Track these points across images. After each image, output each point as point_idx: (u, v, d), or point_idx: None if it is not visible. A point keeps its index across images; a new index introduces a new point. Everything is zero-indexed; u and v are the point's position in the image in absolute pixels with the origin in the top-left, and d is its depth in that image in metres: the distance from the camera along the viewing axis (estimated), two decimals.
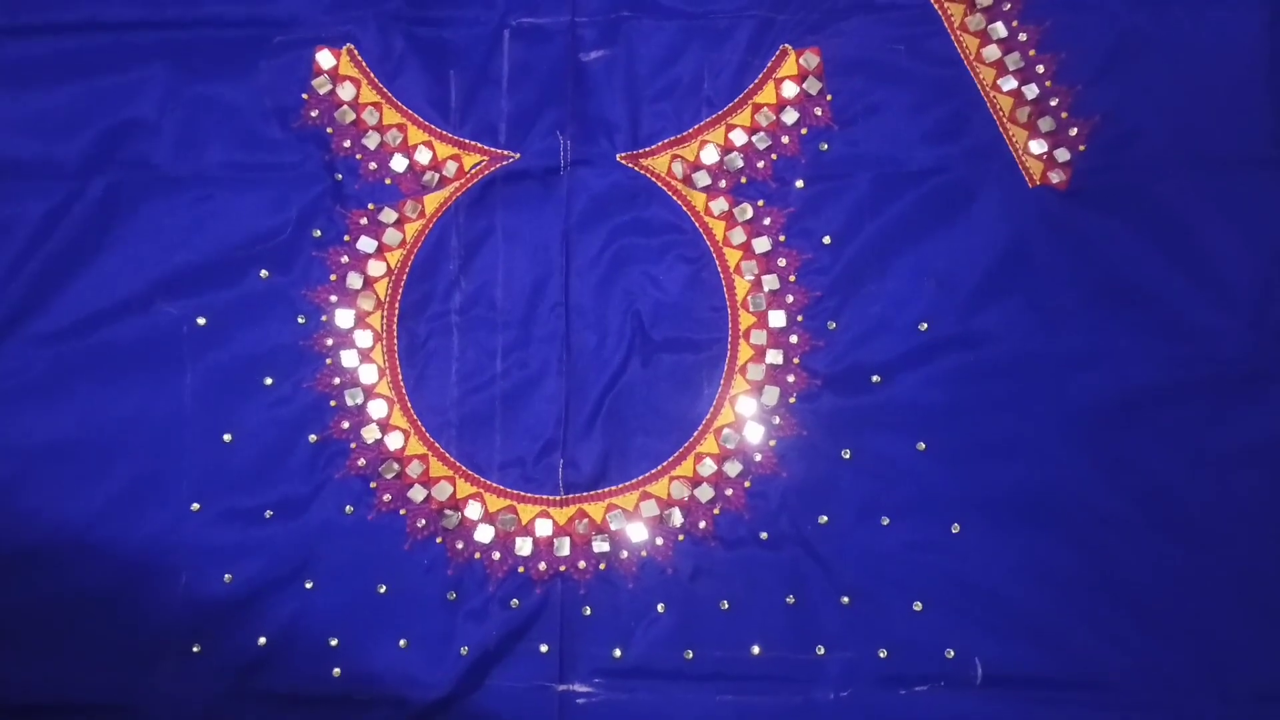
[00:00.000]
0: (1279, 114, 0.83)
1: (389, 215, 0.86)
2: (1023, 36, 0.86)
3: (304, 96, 0.87)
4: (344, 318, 0.85)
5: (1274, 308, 0.82)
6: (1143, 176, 0.84)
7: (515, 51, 0.87)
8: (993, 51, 0.85)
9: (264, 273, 0.85)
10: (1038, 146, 0.85)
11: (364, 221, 0.86)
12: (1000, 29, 0.86)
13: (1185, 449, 0.82)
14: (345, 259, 0.85)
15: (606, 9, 0.87)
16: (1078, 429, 0.82)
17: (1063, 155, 0.85)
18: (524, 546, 0.83)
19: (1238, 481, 0.81)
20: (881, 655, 0.80)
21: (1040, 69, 0.85)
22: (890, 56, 0.86)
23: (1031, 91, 0.85)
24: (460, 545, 0.83)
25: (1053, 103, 0.85)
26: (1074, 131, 0.85)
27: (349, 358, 0.84)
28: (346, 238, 0.85)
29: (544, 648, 0.81)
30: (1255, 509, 0.81)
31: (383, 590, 0.82)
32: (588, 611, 0.82)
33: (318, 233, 0.85)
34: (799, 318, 0.84)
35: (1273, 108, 0.83)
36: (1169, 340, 0.82)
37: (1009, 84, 0.85)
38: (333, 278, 0.85)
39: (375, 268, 0.85)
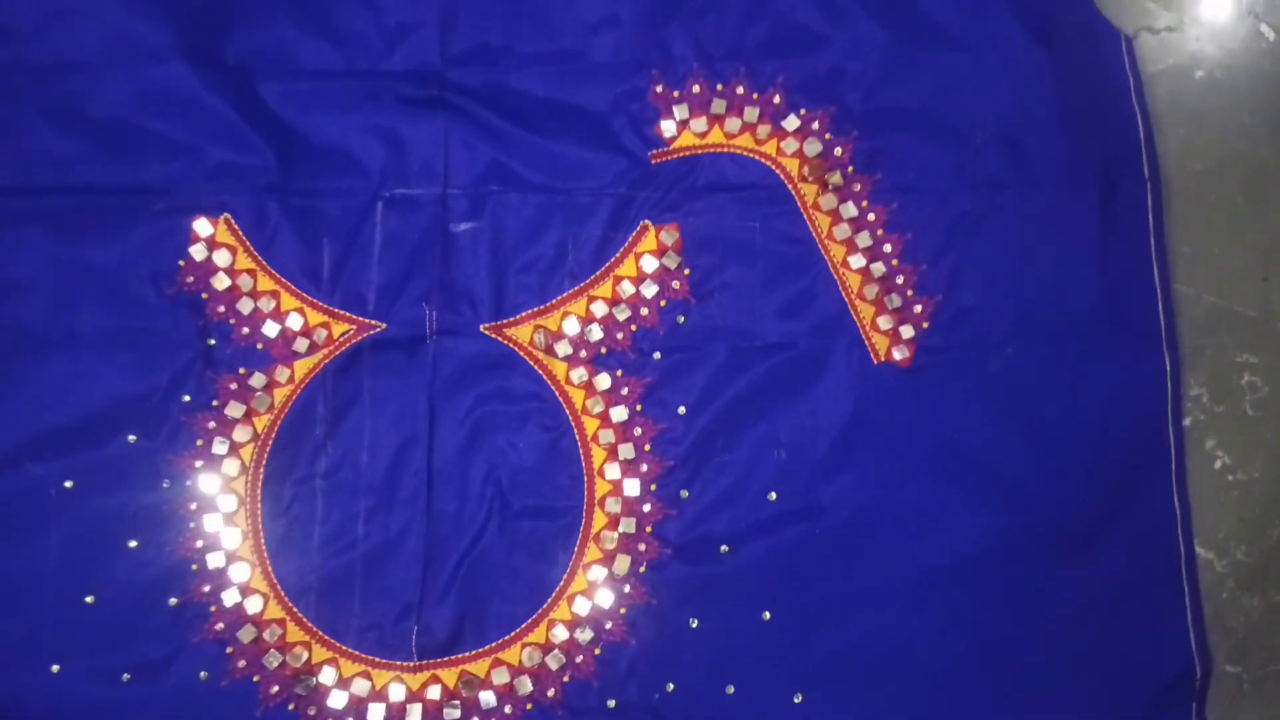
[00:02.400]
0: (1108, 290, 0.87)
1: (259, 380, 0.89)
2: (871, 217, 0.90)
3: (180, 263, 0.89)
4: (208, 482, 0.86)
5: (1103, 473, 0.86)
6: (980, 351, 0.88)
7: (387, 222, 0.90)
8: (843, 230, 0.90)
9: (132, 437, 0.86)
10: (884, 323, 0.89)
11: (234, 386, 0.88)
12: (851, 209, 0.91)
13: (1020, 607, 0.85)
14: (212, 424, 0.87)
15: (477, 181, 0.91)
16: (916, 592, 0.85)
17: (907, 332, 0.89)
18: (377, 713, 0.84)
19: (1071, 638, 0.85)
20: None
21: (888, 248, 0.90)
22: (746, 234, 0.90)
23: (879, 270, 0.89)
24: (313, 712, 0.84)
25: (899, 280, 0.89)
26: (918, 309, 0.89)
27: (212, 521, 0.86)
28: (215, 403, 0.87)
29: None
30: (1088, 664, 0.85)
31: None
32: None
33: (187, 398, 0.87)
34: (652, 487, 0.87)
35: (1102, 284, 0.87)
36: (1005, 505, 0.86)
37: (858, 262, 0.90)
38: (199, 443, 0.87)
39: (241, 433, 0.88)
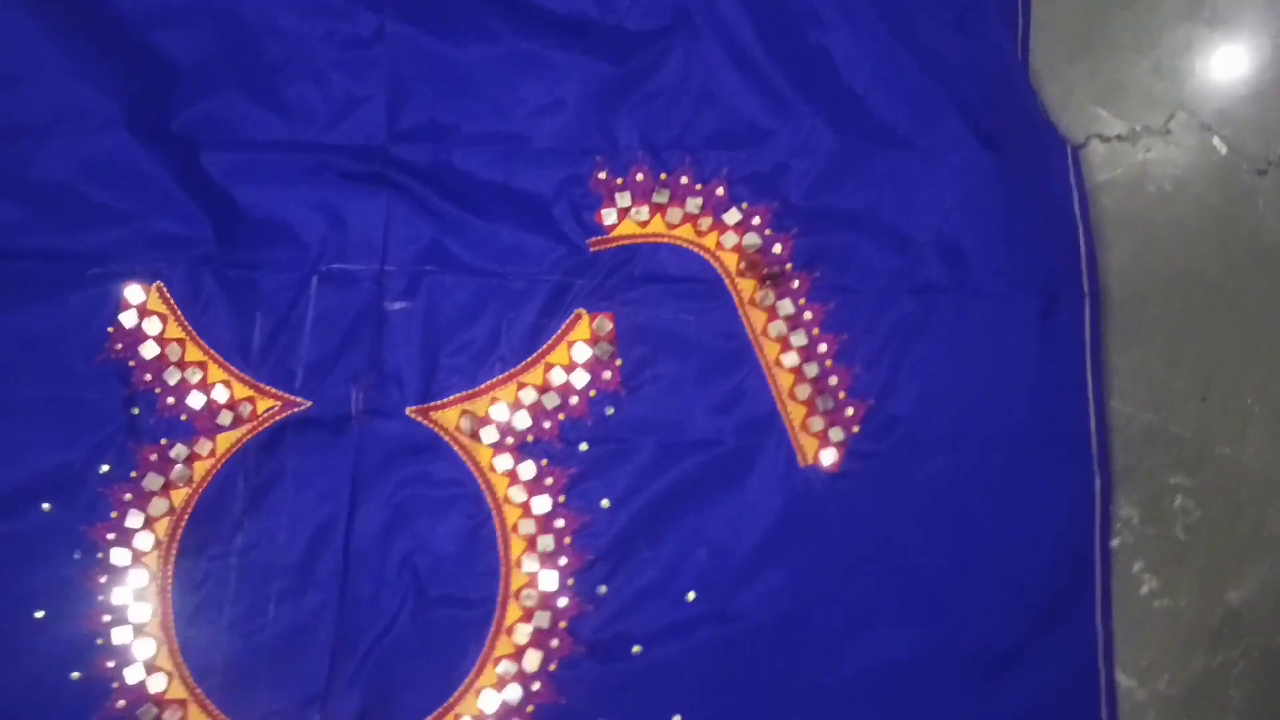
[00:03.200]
0: (1043, 404, 0.85)
1: (180, 451, 0.87)
2: (808, 315, 0.89)
3: (109, 330, 0.89)
4: (120, 555, 0.85)
5: (1027, 590, 0.84)
6: (910, 459, 0.86)
7: (322, 297, 0.89)
8: (778, 328, 0.89)
9: (47, 506, 0.85)
10: (815, 424, 0.87)
11: (153, 458, 0.87)
12: (787, 306, 0.89)
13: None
14: (129, 496, 0.86)
15: (415, 260, 0.90)
16: (832, 701, 0.83)
17: (837, 435, 0.87)
18: None
19: None
20: None
21: (823, 348, 0.88)
22: (680, 327, 0.89)
23: (812, 370, 0.88)
24: None
25: (831, 382, 0.88)
26: (850, 412, 0.87)
27: (121, 595, 0.85)
28: (134, 474, 0.86)
29: None
30: None
31: None
32: None
33: (105, 468, 0.86)
34: (570, 581, 0.85)
35: (1037, 397, 0.86)
36: (927, 617, 0.84)
37: (791, 360, 0.88)
38: (114, 514, 0.85)
39: (158, 506, 0.86)
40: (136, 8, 0.94)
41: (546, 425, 0.88)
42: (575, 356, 0.89)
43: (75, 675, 0.83)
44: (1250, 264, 0.88)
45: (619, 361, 0.89)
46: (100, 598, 0.85)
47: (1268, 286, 0.87)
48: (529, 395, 0.89)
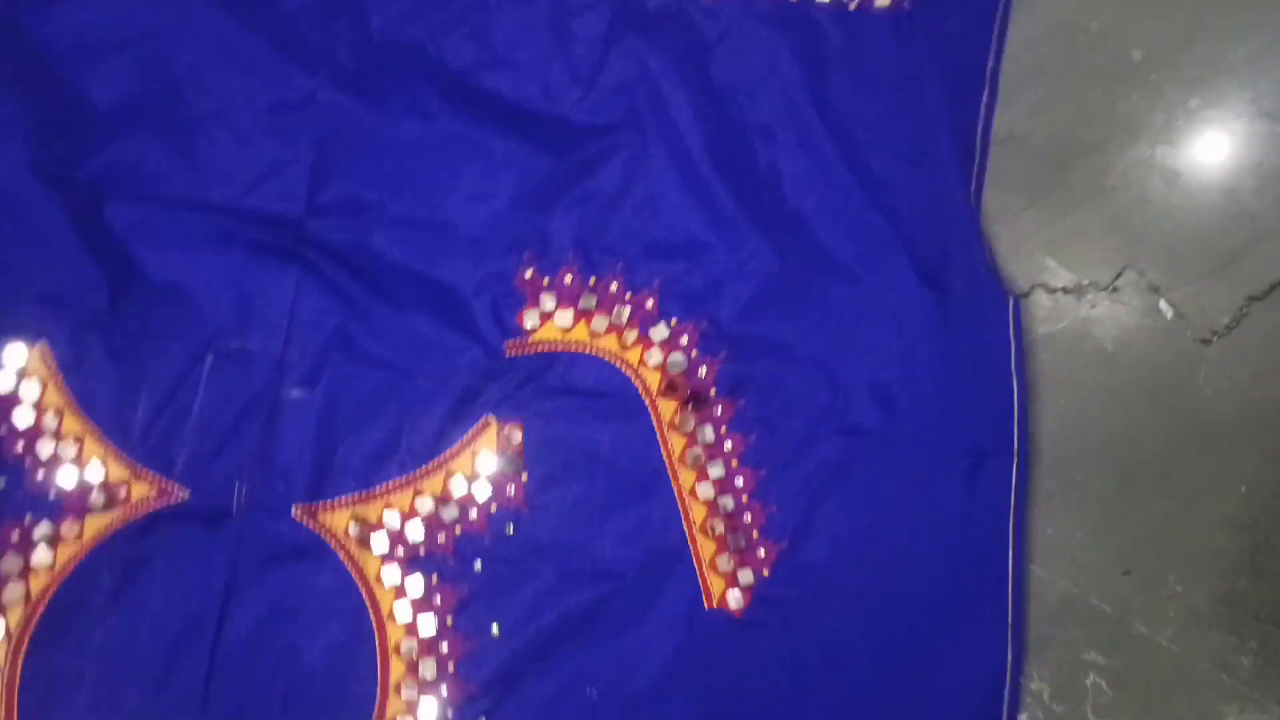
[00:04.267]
0: (961, 564, 0.81)
1: (44, 531, 0.81)
2: (728, 445, 0.85)
3: None
4: None
5: None
6: (819, 610, 0.81)
7: (215, 376, 0.83)
8: (696, 455, 0.84)
9: None
10: (724, 563, 0.83)
11: (15, 536, 0.81)
12: (708, 433, 0.85)
13: None
14: None
15: (320, 346, 0.84)
16: None
17: (746, 577, 0.83)
18: None
19: None
20: None
21: (740, 482, 0.84)
22: (593, 445, 0.84)
23: (727, 504, 0.83)
24: None
25: (746, 519, 0.83)
26: (762, 553, 0.83)
27: None
28: None
29: None
30: None
31: None
32: None
33: None
34: (449, 712, 0.80)
35: (955, 557, 0.81)
36: None
37: (706, 492, 0.84)
38: None
39: (12, 592, 0.80)
40: (57, 40, 0.89)
41: (441, 538, 0.83)
42: (479, 466, 0.84)
43: None
44: (1187, 437, 0.85)
45: (525, 476, 0.84)
46: None
47: (1202, 463, 0.85)
48: (426, 504, 0.83)
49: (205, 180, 0.87)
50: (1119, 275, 0.89)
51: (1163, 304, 0.89)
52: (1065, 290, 0.89)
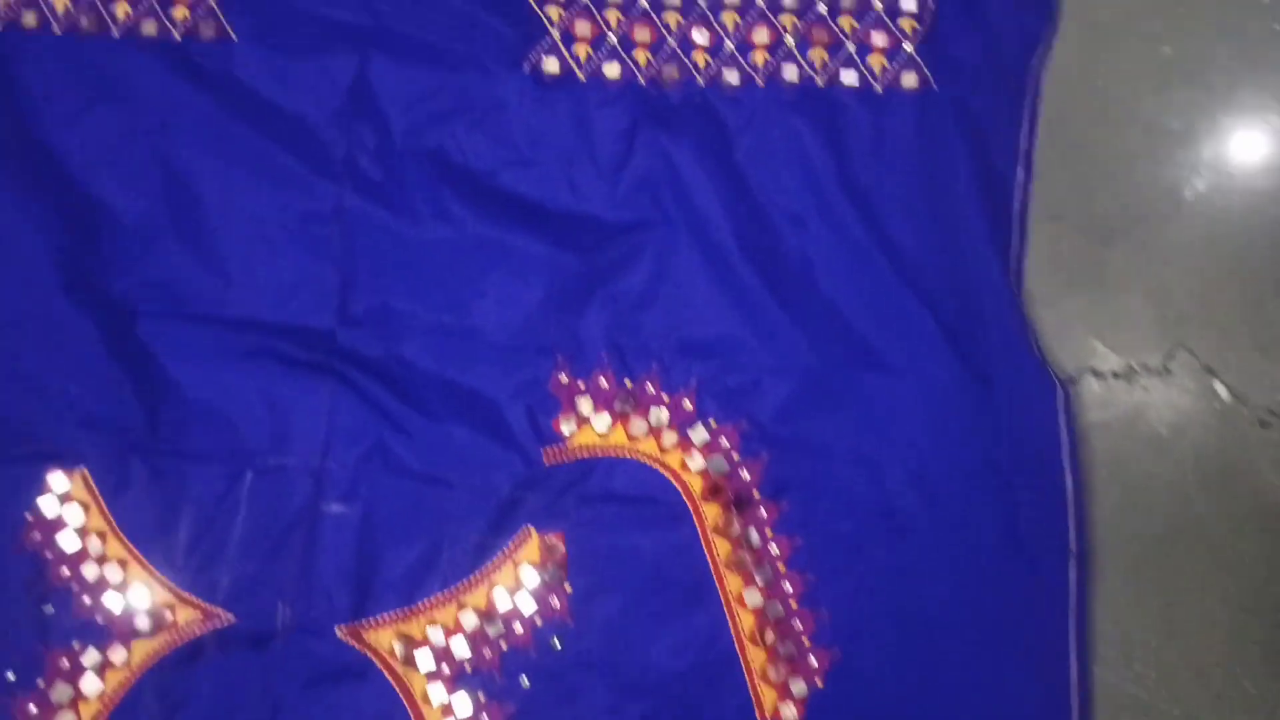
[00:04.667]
0: (1021, 671, 0.78)
1: (93, 658, 0.81)
2: (774, 550, 0.83)
3: (27, 516, 0.84)
4: None
5: None
6: (876, 717, 0.81)
7: (255, 495, 0.83)
8: (743, 561, 0.82)
9: None
10: (775, 673, 0.81)
11: (64, 664, 0.80)
12: (754, 537, 0.83)
13: None
14: (33, 708, 0.80)
15: (357, 461, 0.83)
16: None
17: (799, 688, 0.80)
18: None
19: None
20: None
21: (788, 587, 0.82)
22: (637, 553, 0.82)
23: (777, 610, 0.82)
24: None
25: (796, 625, 0.82)
26: (814, 662, 0.81)
27: None
28: (41, 682, 0.81)
29: None
30: None
31: None
32: None
33: (11, 675, 0.79)
34: None
35: (1014, 663, 0.78)
36: None
37: (754, 599, 0.82)
38: None
39: None
40: (81, 157, 0.89)
41: (487, 654, 0.82)
42: (522, 578, 0.83)
43: None
44: (1251, 526, 0.82)
45: (569, 588, 0.83)
46: None
47: (1272, 550, 0.82)
48: (470, 619, 0.82)
49: (235, 295, 0.87)
50: (1171, 356, 0.87)
51: (1218, 385, 0.86)
52: (1115, 375, 0.86)
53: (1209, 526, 0.82)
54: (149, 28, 0.91)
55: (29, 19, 0.92)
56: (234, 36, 0.90)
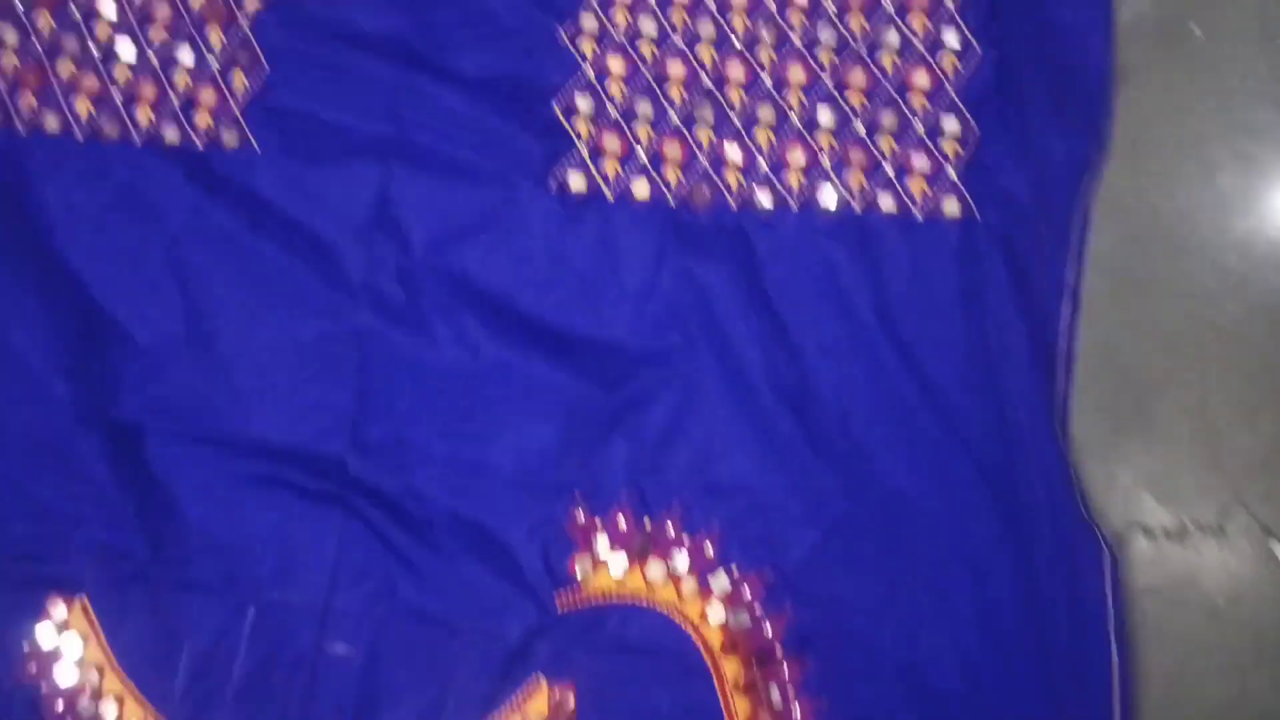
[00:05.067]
0: None
1: None
2: (797, 711, 0.77)
3: (25, 646, 0.81)
4: None
5: None
6: None
7: (256, 632, 0.80)
8: None
9: None
10: None
11: None
12: (776, 696, 0.78)
13: None
14: None
15: (364, 600, 0.79)
16: None
17: None
18: None
19: None
20: None
21: None
22: (651, 708, 0.77)
23: None
24: None
25: None
26: None
27: None
28: None
29: None
30: None
31: None
32: None
33: None
34: None
35: None
36: None
37: None
38: None
39: None
40: (96, 269, 0.86)
41: None
42: None
43: None
44: None
45: None
46: None
47: None
48: None
49: (246, 418, 0.84)
50: (1226, 514, 0.82)
51: (1277, 549, 0.81)
52: (1167, 534, 0.81)
53: (1266, 705, 0.77)
54: (171, 134, 0.89)
55: (51, 124, 0.90)
56: (257, 147, 0.88)
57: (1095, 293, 0.85)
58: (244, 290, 0.86)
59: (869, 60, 0.89)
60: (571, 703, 0.79)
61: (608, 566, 0.82)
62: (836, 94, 0.89)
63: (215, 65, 0.89)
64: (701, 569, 0.81)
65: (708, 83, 0.89)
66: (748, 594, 0.80)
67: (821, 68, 0.89)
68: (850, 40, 0.90)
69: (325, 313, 0.86)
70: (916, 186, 0.87)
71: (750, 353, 0.84)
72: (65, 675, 0.81)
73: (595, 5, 0.91)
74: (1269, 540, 0.80)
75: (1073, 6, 0.90)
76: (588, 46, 0.90)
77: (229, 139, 0.88)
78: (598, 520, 0.82)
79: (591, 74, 0.90)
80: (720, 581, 0.81)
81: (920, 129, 0.88)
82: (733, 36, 0.90)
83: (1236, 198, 0.88)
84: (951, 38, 0.89)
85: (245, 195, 0.87)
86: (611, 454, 0.83)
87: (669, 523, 0.82)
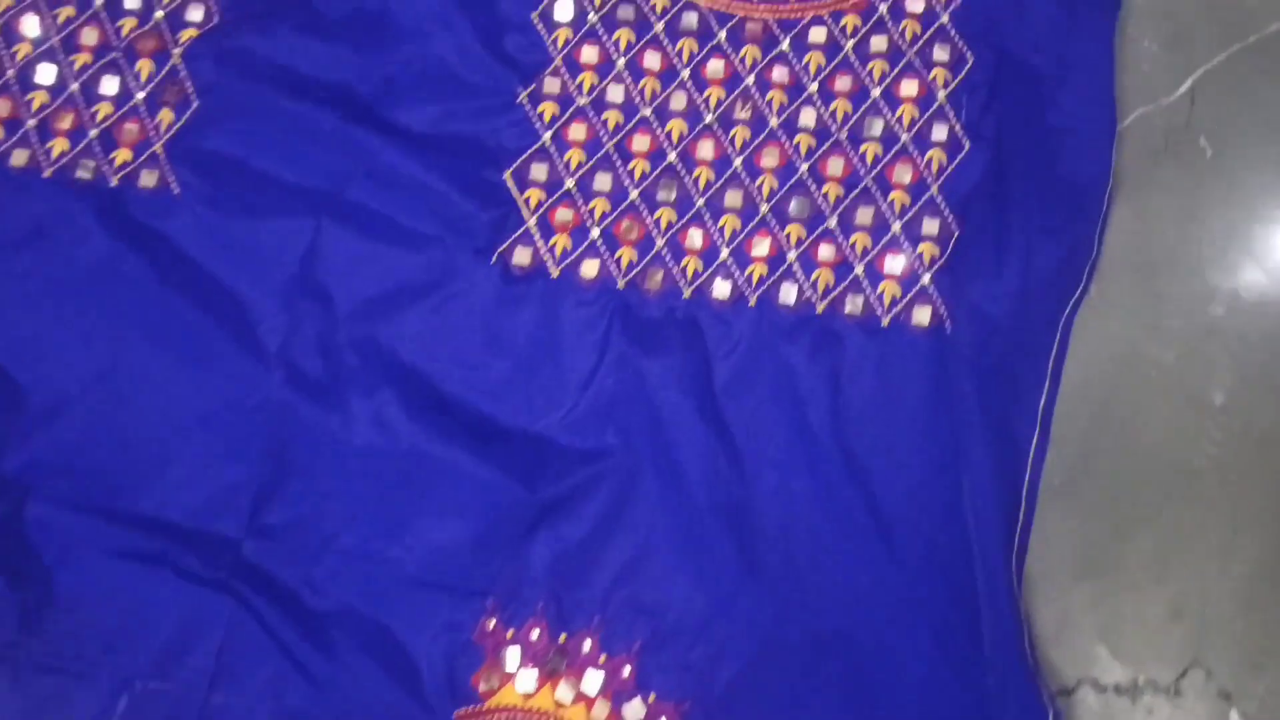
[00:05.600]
0: None
1: None
2: None
3: None
4: None
5: None
6: None
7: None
8: None
9: None
10: None
11: None
12: None
13: None
14: None
15: (249, 697, 0.72)
16: None
17: None
18: None
19: None
20: None
21: None
22: None
23: None
24: None
25: None
26: None
27: None
28: None
29: None
30: None
31: None
32: None
33: None
34: None
35: None
36: None
37: None
38: None
39: None
40: None
41: None
42: None
43: None
44: None
45: None
46: None
47: None
48: None
49: (138, 487, 0.77)
50: (1183, 674, 0.76)
51: (1235, 716, 0.76)
52: (1118, 690, 0.75)
53: None
54: (84, 168, 0.82)
55: None
56: (176, 189, 0.81)
57: (1063, 419, 0.80)
58: (149, 347, 0.79)
59: (850, 149, 0.83)
60: None
61: (515, 682, 0.75)
62: (812, 183, 0.83)
63: (140, 97, 0.82)
64: (616, 693, 0.74)
65: (674, 160, 0.84)
66: None
67: (798, 154, 0.83)
68: (832, 126, 0.83)
69: (236, 380, 0.79)
70: (888, 290, 0.81)
71: (691, 460, 0.78)
72: None
73: (562, 67, 0.85)
74: (1226, 705, 0.75)
75: (1074, 112, 0.83)
76: (548, 110, 0.84)
77: (147, 179, 0.81)
78: (510, 631, 0.76)
79: (549, 140, 0.84)
80: (634, 710, 0.74)
81: (897, 228, 0.82)
82: (706, 112, 0.84)
83: (1222, 333, 0.84)
84: (940, 132, 0.83)
85: (159, 242, 0.81)
86: (531, 559, 0.76)
87: (587, 639, 0.75)
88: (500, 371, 0.80)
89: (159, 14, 0.84)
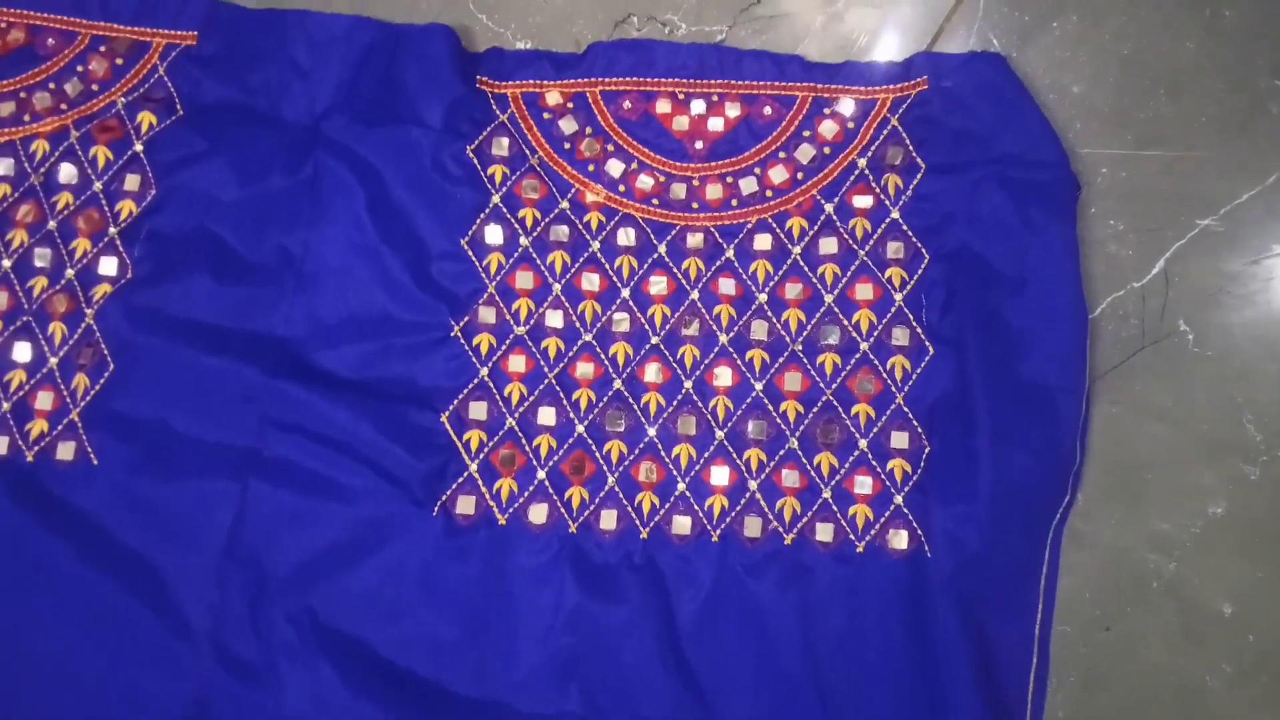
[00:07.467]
0: None
1: None
2: None
3: None
4: None
5: None
6: None
7: None
8: None
9: None
10: None
11: None
12: None
13: None
14: None
15: None
16: None
17: None
18: None
19: None
20: None
21: None
22: None
23: None
24: None
25: None
26: None
27: None
28: None
29: None
30: None
31: None
32: None
33: None
34: None
35: None
36: None
37: None
38: None
39: None
40: None
41: None
42: None
43: None
44: None
45: None
46: None
47: None
48: None
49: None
50: None
51: None
52: None
53: None
54: None
55: None
56: (94, 460, 0.76)
57: (1063, 644, 0.74)
58: (68, 632, 0.73)
59: (807, 362, 0.78)
60: None
61: None
62: (769, 402, 0.77)
63: (54, 362, 0.77)
64: None
65: (620, 386, 0.78)
66: None
67: (752, 371, 0.78)
68: (786, 338, 0.78)
69: (161, 665, 0.72)
70: (859, 514, 0.75)
71: (659, 716, 0.71)
72: None
73: (496, 295, 0.80)
74: None
75: (1039, 312, 0.76)
76: (485, 342, 0.79)
77: (64, 451, 0.76)
78: None
79: (486, 374, 0.78)
80: None
81: (864, 445, 0.76)
82: (651, 333, 0.79)
83: (1229, 536, 0.77)
84: (902, 336, 0.78)
85: (75, 517, 0.75)
86: None
87: None
88: (446, 631, 0.74)
89: (70, 271, 0.79)
